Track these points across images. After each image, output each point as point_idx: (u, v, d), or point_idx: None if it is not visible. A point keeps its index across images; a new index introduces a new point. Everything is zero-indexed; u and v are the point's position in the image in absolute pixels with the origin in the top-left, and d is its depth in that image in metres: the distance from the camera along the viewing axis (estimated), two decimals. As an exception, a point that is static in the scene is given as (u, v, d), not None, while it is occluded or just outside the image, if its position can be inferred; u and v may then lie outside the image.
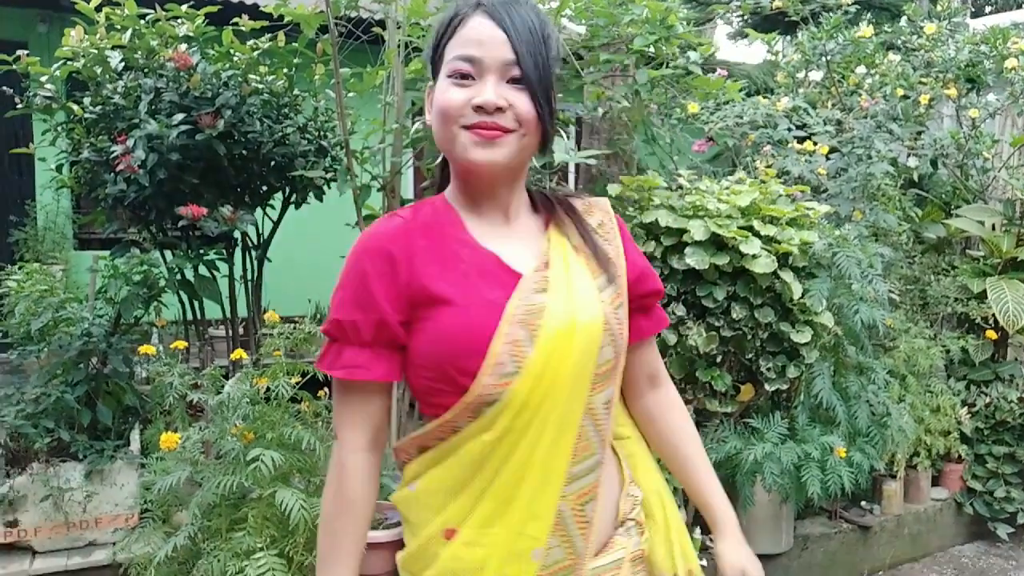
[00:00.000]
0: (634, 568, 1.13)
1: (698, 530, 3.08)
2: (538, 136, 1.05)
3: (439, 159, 1.16)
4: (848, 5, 4.29)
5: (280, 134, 3.40)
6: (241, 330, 3.94)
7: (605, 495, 1.10)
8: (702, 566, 1.26)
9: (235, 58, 3.39)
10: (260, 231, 3.81)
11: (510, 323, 1.00)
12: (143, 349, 2.91)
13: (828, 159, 3.77)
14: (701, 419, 2.91)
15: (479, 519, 1.02)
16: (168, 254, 3.40)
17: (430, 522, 1.05)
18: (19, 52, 3.23)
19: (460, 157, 1.04)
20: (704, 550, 3.04)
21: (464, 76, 1.02)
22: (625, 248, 1.16)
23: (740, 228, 2.69)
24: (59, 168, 3.51)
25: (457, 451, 1.02)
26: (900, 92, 4.32)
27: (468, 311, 1.00)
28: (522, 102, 1.02)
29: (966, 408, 3.83)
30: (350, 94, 3.32)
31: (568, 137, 4.16)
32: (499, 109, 1.01)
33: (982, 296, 3.88)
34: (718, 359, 2.79)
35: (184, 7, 3.33)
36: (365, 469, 1.08)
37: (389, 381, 1.06)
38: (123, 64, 3.32)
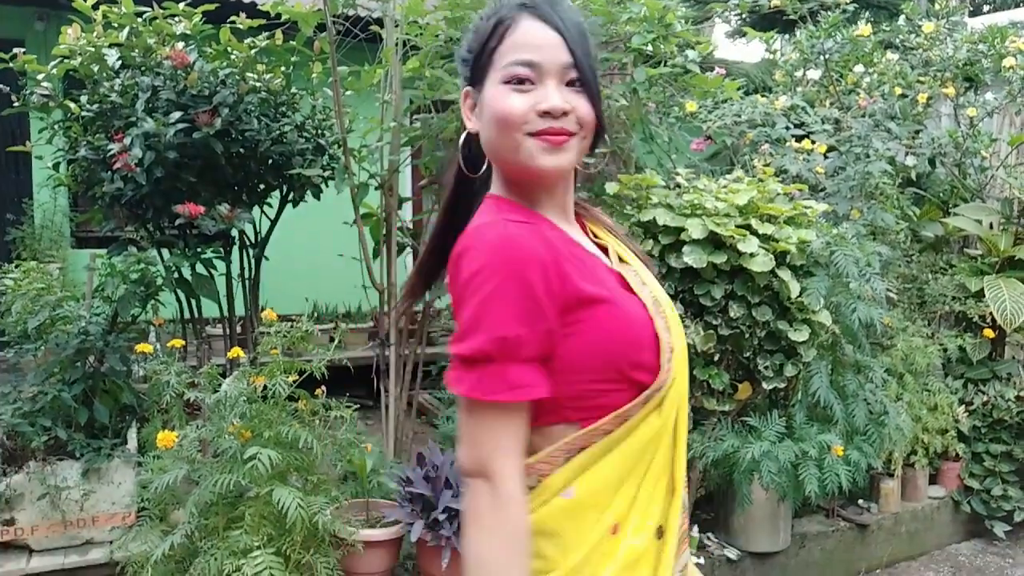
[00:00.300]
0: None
1: (696, 528, 3.09)
2: (592, 136, 1.06)
3: (467, 161, 1.12)
4: (846, 4, 4.29)
5: (278, 132, 3.40)
6: (239, 328, 3.94)
7: None
8: (698, 564, 1.29)
9: (232, 56, 3.38)
10: (257, 229, 3.81)
11: (653, 313, 1.04)
12: (140, 347, 2.91)
13: (826, 158, 3.77)
14: (699, 417, 2.91)
15: (643, 502, 1.03)
16: (165, 252, 3.40)
17: (597, 522, 1.00)
18: (16, 50, 3.23)
19: (526, 164, 1.02)
20: (702, 548, 3.05)
21: (522, 81, 1.01)
22: None
23: (738, 227, 2.69)
24: (56, 166, 3.51)
25: (625, 440, 1.01)
26: (898, 91, 4.33)
27: (625, 307, 1.02)
28: (582, 104, 1.02)
29: (963, 406, 3.83)
30: (348, 92, 3.32)
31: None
32: (565, 114, 1.00)
33: (980, 295, 3.88)
34: (716, 357, 2.79)
35: (181, 5, 3.33)
36: (525, 499, 0.99)
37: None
38: (120, 62, 3.31)
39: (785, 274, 2.69)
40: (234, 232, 3.58)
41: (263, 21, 3.31)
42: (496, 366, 0.94)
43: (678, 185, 3.02)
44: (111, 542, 2.86)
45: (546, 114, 0.99)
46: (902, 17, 5.24)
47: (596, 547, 1.00)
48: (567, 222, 1.11)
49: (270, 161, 3.46)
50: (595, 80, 1.03)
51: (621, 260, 1.12)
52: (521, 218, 1.02)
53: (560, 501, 1.00)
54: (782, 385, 2.86)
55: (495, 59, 1.03)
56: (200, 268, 3.40)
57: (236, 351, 2.87)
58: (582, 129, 1.02)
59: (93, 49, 3.23)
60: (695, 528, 2.94)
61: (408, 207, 4.82)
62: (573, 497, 1.00)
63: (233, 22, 3.40)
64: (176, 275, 3.32)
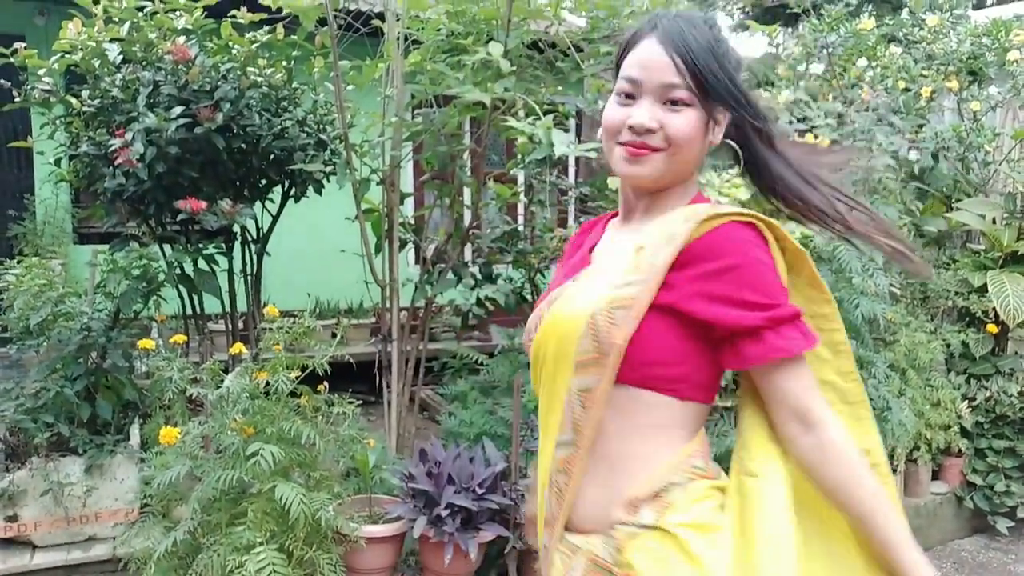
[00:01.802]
0: (589, 569, 1.13)
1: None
2: (696, 150, 1.13)
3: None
4: (849, -3, 4.27)
5: (279, 127, 3.39)
6: (241, 324, 3.94)
7: (581, 483, 1.15)
8: None
9: (234, 51, 3.37)
10: (259, 225, 3.80)
11: (543, 301, 1.24)
12: (142, 343, 2.91)
13: (829, 152, 3.75)
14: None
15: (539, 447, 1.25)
16: (167, 248, 3.39)
17: None
18: (16, 45, 3.21)
19: (615, 169, 1.16)
20: None
21: (627, 96, 1.13)
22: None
23: (741, 222, 2.67)
24: (58, 162, 3.50)
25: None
26: (901, 85, 4.31)
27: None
28: (675, 122, 1.10)
29: (966, 402, 3.83)
30: (349, 87, 3.31)
31: (568, 130, 4.15)
32: (649, 131, 1.10)
33: (983, 290, 3.87)
34: (719, 353, 2.78)
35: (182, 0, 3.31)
36: None
37: None
38: (121, 57, 3.30)
39: (788, 269, 2.68)
40: (236, 228, 3.57)
41: (264, 15, 3.30)
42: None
43: (681, 180, 3.01)
44: (114, 538, 2.87)
45: (632, 128, 1.11)
46: (905, 10, 5.22)
47: None
48: (623, 221, 1.25)
49: (271, 156, 3.45)
50: (722, 93, 1.11)
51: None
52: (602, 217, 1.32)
53: None
54: (785, 381, 2.85)
55: (620, 70, 1.16)
56: (202, 264, 3.40)
57: (238, 347, 2.87)
58: (671, 146, 1.10)
59: (94, 44, 3.22)
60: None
61: (410, 202, 4.81)
62: None
63: (234, 16, 3.38)
64: (178, 271, 3.32)
